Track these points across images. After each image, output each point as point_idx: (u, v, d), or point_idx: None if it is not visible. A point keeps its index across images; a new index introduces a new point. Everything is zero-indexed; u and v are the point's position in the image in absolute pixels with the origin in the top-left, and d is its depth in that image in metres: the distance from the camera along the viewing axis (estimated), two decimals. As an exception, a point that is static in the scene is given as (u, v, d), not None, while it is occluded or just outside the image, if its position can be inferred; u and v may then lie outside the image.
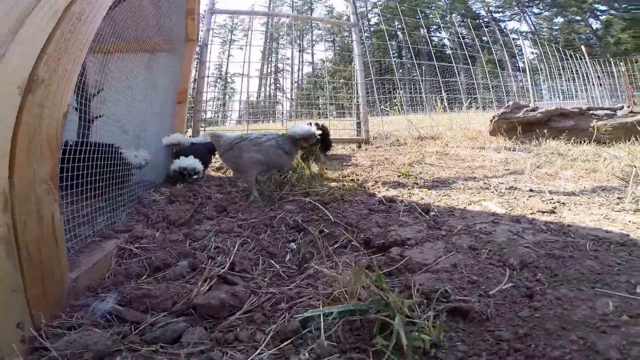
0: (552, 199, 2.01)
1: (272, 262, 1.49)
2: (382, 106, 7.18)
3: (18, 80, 1.01)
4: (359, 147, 5.16)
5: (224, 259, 1.45)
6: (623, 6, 32.88)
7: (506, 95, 8.28)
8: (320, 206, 2.10)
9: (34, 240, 1.04)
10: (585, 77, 10.90)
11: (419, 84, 7.25)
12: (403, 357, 0.84)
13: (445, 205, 2.04)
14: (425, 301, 1.05)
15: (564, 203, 1.92)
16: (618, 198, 1.96)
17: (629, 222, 1.55)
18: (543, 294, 1.01)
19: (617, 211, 1.74)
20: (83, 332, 1.04)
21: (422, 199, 2.22)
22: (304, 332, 0.99)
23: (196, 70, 4.83)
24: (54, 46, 1.10)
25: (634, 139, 3.86)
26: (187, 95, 3.95)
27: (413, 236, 1.51)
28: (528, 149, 4.10)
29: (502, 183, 2.56)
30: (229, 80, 27.82)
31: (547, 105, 7.10)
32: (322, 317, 0.99)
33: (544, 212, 1.75)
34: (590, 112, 4.59)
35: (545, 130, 4.47)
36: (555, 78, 10.55)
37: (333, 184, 2.77)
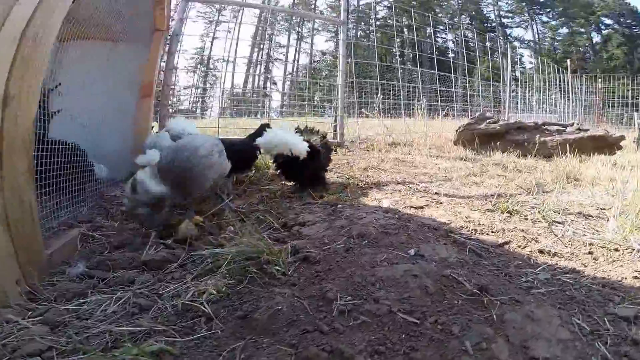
0: (436, 199, 2.80)
1: (211, 238, 2.19)
2: (363, 110, 7.92)
3: (-3, 96, 1.38)
4: (331, 150, 5.85)
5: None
6: (627, 22, 34.23)
7: (494, 107, 9.10)
8: (266, 200, 2.91)
9: (19, 218, 1.46)
10: (565, 92, 11.83)
11: (400, 89, 8.04)
12: (269, 276, 1.62)
13: (358, 201, 2.82)
14: (293, 252, 1.83)
15: (440, 202, 2.71)
16: (490, 202, 2.73)
17: (466, 217, 2.35)
18: (358, 249, 1.81)
19: (472, 209, 2.53)
20: (63, 284, 1.61)
21: (346, 195, 3.00)
22: (216, 270, 1.77)
23: (163, 62, 4.78)
24: (18, 66, 1.46)
25: (571, 154, 4.64)
26: (153, 88, 3.99)
27: (312, 220, 2.32)
28: (477, 159, 4.89)
29: (426, 186, 3.33)
30: (211, 66, 26.79)
31: (536, 118, 7.91)
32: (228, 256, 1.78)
33: (414, 207, 2.54)
34: (545, 127, 5.38)
35: (499, 143, 5.26)
36: (546, 91, 11.42)
37: (290, 183, 3.54)
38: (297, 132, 3.13)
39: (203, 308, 1.40)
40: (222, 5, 31.15)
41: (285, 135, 2.86)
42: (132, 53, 3.67)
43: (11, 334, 1.23)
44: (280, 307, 1.36)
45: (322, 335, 1.23)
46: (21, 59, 1.47)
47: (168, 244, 2.08)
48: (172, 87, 5.07)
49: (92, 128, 2.85)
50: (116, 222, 2.43)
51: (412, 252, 1.76)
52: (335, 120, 6.15)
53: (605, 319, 1.32)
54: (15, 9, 1.50)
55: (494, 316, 1.30)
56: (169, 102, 5.03)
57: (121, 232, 2.24)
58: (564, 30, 39.85)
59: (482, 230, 2.15)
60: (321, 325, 1.26)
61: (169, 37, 4.67)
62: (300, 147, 2.83)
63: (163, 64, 4.72)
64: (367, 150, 5.73)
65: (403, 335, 1.21)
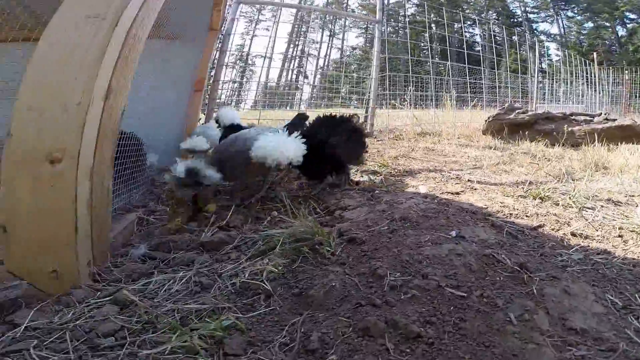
0: (470, 185, 2.86)
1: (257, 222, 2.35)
2: (392, 101, 7.97)
3: (102, 91, 1.48)
4: (361, 140, 5.94)
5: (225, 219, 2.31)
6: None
7: (521, 98, 9.06)
8: (305, 186, 3.01)
9: (98, 203, 1.54)
10: (592, 84, 11.74)
11: (431, 81, 8.06)
12: (320, 256, 1.72)
13: (394, 187, 2.89)
14: (338, 234, 1.93)
15: (475, 189, 2.77)
16: (522, 189, 2.77)
17: (501, 202, 2.40)
18: (402, 231, 1.89)
19: (505, 195, 2.58)
20: (127, 265, 1.70)
21: (381, 182, 3.08)
22: (269, 252, 1.88)
23: (215, 59, 5.00)
24: (121, 63, 1.57)
25: (599, 143, 4.62)
26: (205, 84, 4.19)
27: (352, 204, 2.40)
28: (506, 148, 4.90)
29: (458, 174, 3.37)
30: (249, 62, 27.39)
31: (563, 108, 7.86)
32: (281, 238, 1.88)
33: (450, 193, 2.60)
34: (572, 117, 5.35)
35: (527, 132, 5.25)
36: (573, 82, 11.32)
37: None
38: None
39: (264, 285, 1.49)
40: (262, 5, 31.81)
41: (279, 140, 2.52)
42: (188, 51, 3.79)
43: (82, 314, 1.29)
44: (334, 284, 1.45)
45: (375, 308, 1.31)
46: (123, 56, 1.58)
47: (223, 226, 2.19)
48: (221, 82, 5.28)
49: (148, 119, 2.86)
50: (168, 207, 2.54)
51: (453, 233, 1.83)
52: (367, 112, 6.23)
53: (637, 295, 1.39)
54: (128, 7, 1.58)
55: (534, 291, 1.38)
56: (217, 96, 5.23)
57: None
58: (589, 24, 39.51)
59: (516, 214, 2.21)
60: (374, 299, 1.35)
61: (220, 36, 4.89)
62: (291, 154, 2.47)
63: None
64: (396, 140, 5.78)
65: (452, 308, 1.30)
